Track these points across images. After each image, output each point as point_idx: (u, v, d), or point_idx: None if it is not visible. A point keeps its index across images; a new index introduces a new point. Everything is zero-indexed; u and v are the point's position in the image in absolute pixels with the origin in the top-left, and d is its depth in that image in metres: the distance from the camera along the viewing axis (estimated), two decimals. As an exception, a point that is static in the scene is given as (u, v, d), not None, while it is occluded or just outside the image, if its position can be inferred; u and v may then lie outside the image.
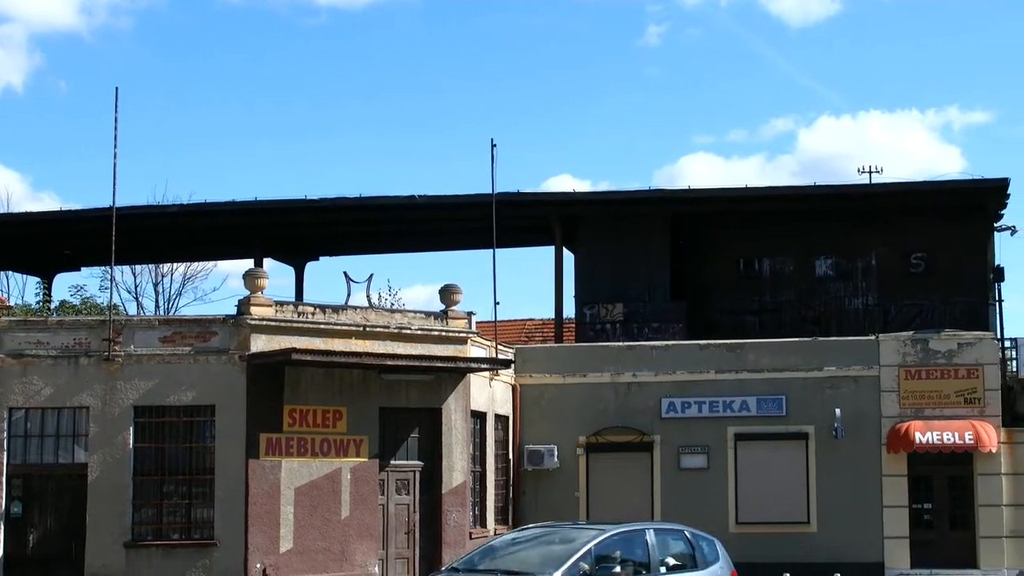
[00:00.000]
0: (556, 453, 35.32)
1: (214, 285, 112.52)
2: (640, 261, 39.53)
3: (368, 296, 31.81)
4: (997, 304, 38.85)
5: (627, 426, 35.74)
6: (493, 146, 34.56)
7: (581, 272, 40.35)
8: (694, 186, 43.80)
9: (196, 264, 58.95)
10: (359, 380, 29.97)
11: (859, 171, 45.40)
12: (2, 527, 28.23)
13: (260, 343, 28.64)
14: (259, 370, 28.49)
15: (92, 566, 28.01)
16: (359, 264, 57.32)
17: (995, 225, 39.46)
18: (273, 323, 28.94)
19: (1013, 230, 39.74)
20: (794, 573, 27.09)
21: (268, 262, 44.15)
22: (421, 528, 30.90)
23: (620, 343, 37.41)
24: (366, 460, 29.96)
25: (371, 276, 31.65)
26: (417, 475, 31.09)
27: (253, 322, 28.63)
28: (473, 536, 31.93)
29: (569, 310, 40.48)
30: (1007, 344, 37.47)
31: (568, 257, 40.97)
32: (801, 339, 36.66)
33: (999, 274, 39.01)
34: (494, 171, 34.95)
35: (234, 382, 28.45)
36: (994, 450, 34.54)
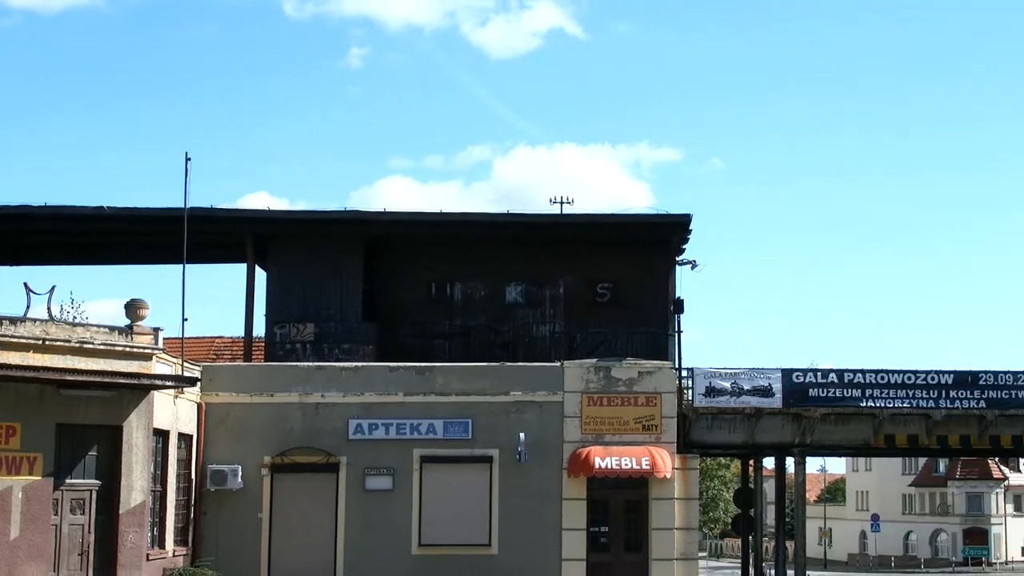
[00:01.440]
0: (240, 473, 34.65)
1: None
2: (333, 282, 39.24)
3: (49, 309, 30.43)
4: (676, 335, 40.27)
5: (314, 447, 35.42)
6: (187, 160, 34.02)
7: (273, 291, 39.74)
8: (389, 209, 43.85)
9: None
10: (36, 395, 28.75)
11: (551, 201, 46.62)
12: None
13: (-69, 353, 27.03)
14: (-73, 381, 26.86)
15: None
16: (42, 275, 54.66)
17: (677, 259, 40.86)
18: (-55, 333, 27.36)
19: (694, 264, 41.26)
20: (475, 595, 27.39)
21: (-59, 271, 41.74)
22: (96, 550, 29.73)
23: (310, 363, 37.03)
24: (40, 478, 28.68)
25: (53, 288, 30.27)
26: (94, 494, 29.92)
27: (-74, 331, 27.01)
28: (150, 558, 31.01)
29: (260, 329, 39.80)
30: (684, 374, 38.98)
31: (261, 276, 40.32)
32: (489, 364, 37.14)
33: (679, 306, 40.43)
34: (187, 185, 34.32)
35: (-101, 395, 26.74)
36: (668, 475, 35.79)
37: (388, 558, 34.86)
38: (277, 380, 35.86)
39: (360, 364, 36.82)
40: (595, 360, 37.23)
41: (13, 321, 28.78)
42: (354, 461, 35.42)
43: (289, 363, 37.29)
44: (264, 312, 39.58)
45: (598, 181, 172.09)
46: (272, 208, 47.46)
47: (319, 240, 39.61)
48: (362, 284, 39.42)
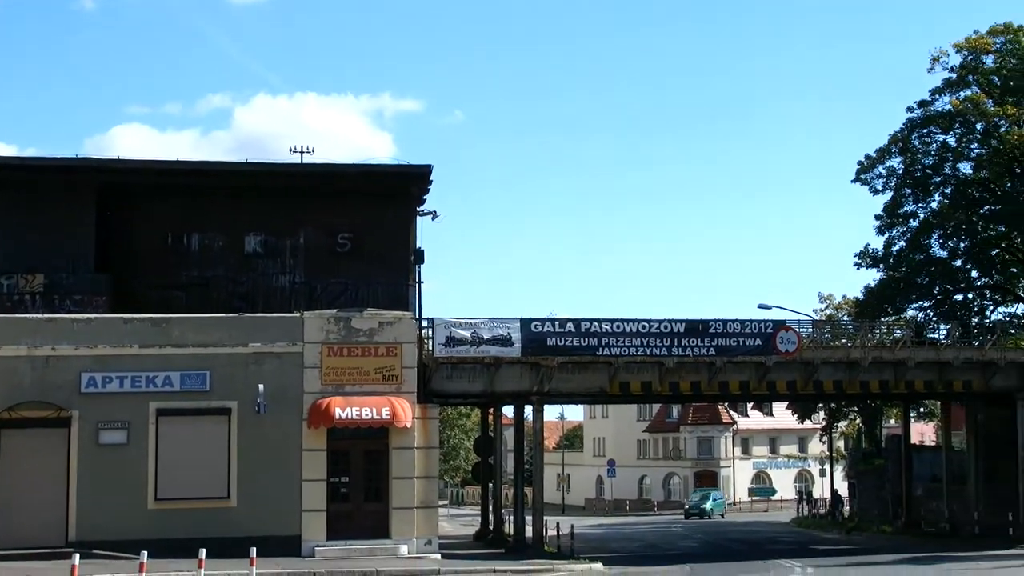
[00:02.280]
0: (-35, 429, 33.46)
1: None
2: (63, 231, 37.95)
3: None
4: (417, 285, 40.47)
5: (44, 401, 34.43)
6: None
7: (1, 240, 38.20)
8: (124, 156, 42.63)
9: None
10: None
11: (291, 151, 45.92)
12: None
13: None
14: None
15: None
16: None
17: (418, 210, 41.03)
18: None
19: (434, 215, 41.51)
20: (212, 548, 27.09)
21: None
22: None
23: (39, 315, 35.91)
24: None
25: None
26: None
27: None
28: None
29: (-12, 279, 38.22)
30: (424, 324, 39.34)
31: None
32: (227, 315, 36.71)
33: (419, 256, 40.65)
34: None
35: None
36: (408, 425, 36.15)
37: (123, 513, 34.18)
38: (4, 333, 34.66)
39: (93, 316, 35.88)
40: (335, 311, 37.20)
41: None
42: (87, 415, 34.59)
43: (17, 315, 36.02)
44: (-9, 262, 38.03)
45: (340, 131, 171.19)
46: (-1, 154, 45.53)
47: (49, 188, 38.27)
48: (95, 234, 38.27)
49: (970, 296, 62.10)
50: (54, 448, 34.38)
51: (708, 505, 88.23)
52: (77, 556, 22.84)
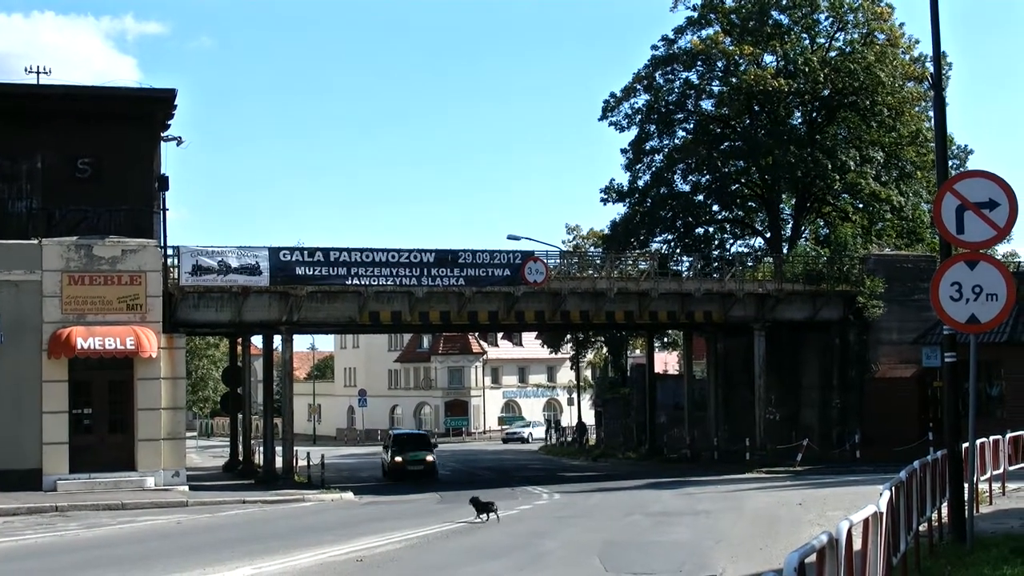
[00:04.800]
0: None
1: None
2: None
3: None
4: (161, 213, 39.45)
5: None
6: None
7: None
8: None
9: None
10: None
11: (27, 71, 44.00)
12: None
13: None
14: None
15: None
16: None
17: (162, 135, 39.94)
18: None
19: (179, 140, 40.48)
20: (-53, 483, 26.13)
21: None
22: None
23: None
24: None
25: None
26: None
27: None
28: None
29: None
30: (170, 252, 38.44)
31: None
32: (-38, 241, 35.11)
33: (164, 183, 39.58)
34: None
35: None
36: (154, 355, 35.42)
37: None
38: None
39: None
40: (76, 238, 36.04)
41: None
42: None
43: None
44: None
45: (80, 53, 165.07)
46: None
47: None
48: None
49: (711, 230, 64.12)
50: None
51: (526, 433, 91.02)
52: None
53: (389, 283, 41.33)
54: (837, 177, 56.63)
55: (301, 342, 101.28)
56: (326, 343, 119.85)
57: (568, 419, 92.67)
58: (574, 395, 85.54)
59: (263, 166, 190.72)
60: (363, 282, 40.90)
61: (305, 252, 40.83)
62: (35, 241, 35.49)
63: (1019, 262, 61.90)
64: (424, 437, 51.45)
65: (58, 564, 19.90)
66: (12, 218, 37.85)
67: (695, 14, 60.92)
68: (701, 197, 61.93)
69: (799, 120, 60.52)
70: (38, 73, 43.72)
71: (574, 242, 73.68)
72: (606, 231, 64.25)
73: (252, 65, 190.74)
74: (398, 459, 46.67)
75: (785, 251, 56.58)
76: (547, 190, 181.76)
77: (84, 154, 38.82)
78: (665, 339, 74.16)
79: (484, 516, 26.37)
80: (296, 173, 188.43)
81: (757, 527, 24.05)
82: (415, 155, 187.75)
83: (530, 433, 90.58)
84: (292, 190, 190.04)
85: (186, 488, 35.30)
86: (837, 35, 61.06)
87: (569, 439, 75.88)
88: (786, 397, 52.17)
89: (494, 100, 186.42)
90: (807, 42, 60.49)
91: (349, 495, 37.05)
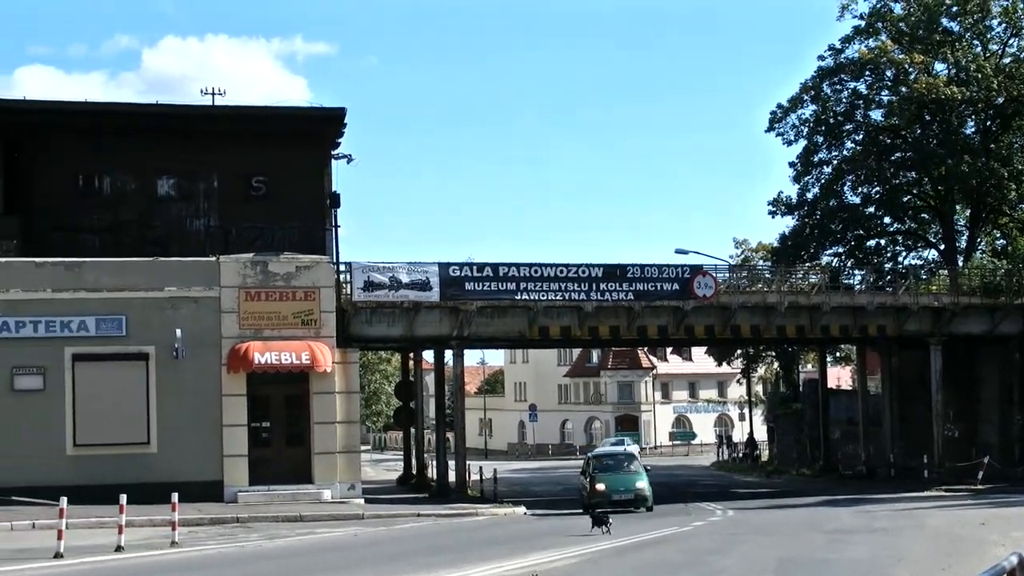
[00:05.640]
0: None
1: None
2: (-29, 174, 37.11)
3: None
4: (333, 229, 40.15)
5: (-45, 346, 33.79)
6: None
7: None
8: (29, 97, 41.79)
9: None
10: None
11: (203, 92, 45.21)
12: None
13: None
14: None
15: None
16: None
17: (333, 153, 40.63)
18: None
19: (350, 158, 41.15)
20: (133, 494, 26.73)
21: None
22: None
23: (-52, 259, 35.15)
24: None
25: None
26: None
27: None
28: None
29: None
30: (342, 268, 39.06)
31: None
32: (142, 259, 36.13)
33: (335, 200, 40.29)
34: None
35: None
36: (329, 369, 35.92)
37: (42, 459, 33.63)
38: (-93, 279, 33.93)
39: (3, 260, 35.18)
40: (252, 255, 36.80)
41: None
42: (1, 360, 33.94)
43: (-75, 259, 35.25)
44: None
45: (252, 74, 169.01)
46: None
47: (-48, 130, 37.34)
48: (2, 176, 37.41)
49: (883, 242, 62.77)
50: (-33, 394, 33.78)
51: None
52: (-6, 502, 22.52)
53: (558, 298, 41.37)
54: (1013, 187, 55.01)
55: (471, 356, 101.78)
56: (496, 358, 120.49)
57: (739, 435, 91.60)
58: (745, 410, 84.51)
59: (432, 181, 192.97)
60: (532, 297, 41.01)
61: (474, 267, 41.09)
62: (213, 258, 36.36)
63: None
64: (632, 458, 40.88)
65: (241, 574, 20.27)
66: (190, 236, 38.84)
67: (862, 23, 59.69)
68: (871, 209, 60.68)
69: (972, 129, 58.82)
70: (213, 95, 44.92)
71: (742, 256, 72.93)
72: (775, 244, 63.32)
73: (416, 82, 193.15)
74: (599, 487, 37.04)
75: (960, 263, 55.14)
76: (711, 203, 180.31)
77: (258, 173, 39.68)
78: (837, 353, 72.84)
79: (600, 528, 26.63)
80: (464, 189, 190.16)
81: (938, 546, 23.39)
82: (584, 172, 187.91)
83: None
84: (461, 205, 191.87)
85: (362, 501, 35.73)
86: (1011, 41, 59.24)
87: (740, 455, 75.02)
88: (963, 413, 50.79)
89: (660, 124, 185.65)
90: (979, 49, 58.76)
91: (521, 510, 37.12)
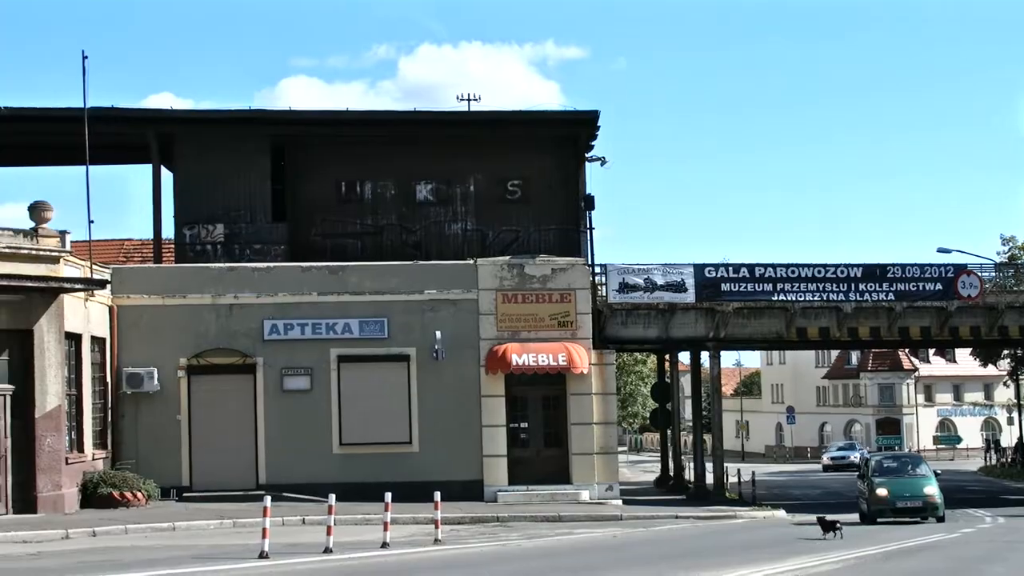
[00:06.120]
0: (156, 376, 34.38)
1: None
2: (241, 182, 38.71)
3: (-50, 212, 29.82)
4: (588, 232, 40.33)
5: (229, 348, 35.23)
6: (84, 58, 33.73)
7: (181, 192, 39.13)
8: (294, 107, 43.35)
9: None
10: (-58, 300, 28.15)
11: (458, 99, 46.18)
12: None
13: None
14: None
15: None
16: (-61, 180, 53.83)
17: (586, 156, 40.83)
18: None
19: (603, 161, 41.25)
20: (398, 492, 27.36)
21: None
22: (14, 454, 29.40)
23: (221, 264, 36.70)
24: (-49, 383, 28.20)
25: (-48, 191, 29.59)
26: (8, 399, 29.52)
27: None
28: (70, 461, 30.71)
29: (170, 231, 39.20)
30: (597, 270, 39.17)
31: (168, 176, 39.71)
32: (402, 263, 37.01)
33: (590, 203, 40.45)
34: (85, 84, 34.30)
35: None
36: (585, 371, 36.04)
37: (310, 458, 34.84)
38: (189, 282, 35.53)
39: (272, 264, 36.56)
40: (508, 257, 37.24)
41: (-86, 225, 28.13)
42: (271, 361, 35.28)
43: (200, 264, 36.91)
44: (173, 213, 38.98)
45: (505, 80, 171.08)
46: (175, 108, 46.64)
47: (225, 140, 38.95)
48: (270, 184, 38.92)
49: None
50: (241, 394, 35.18)
51: (855, 457, 74.36)
52: (268, 498, 23.27)
53: (815, 299, 40.56)
54: None
55: (727, 358, 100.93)
56: (752, 359, 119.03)
57: (1008, 439, 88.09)
58: (1014, 414, 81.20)
59: (684, 182, 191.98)
60: (789, 297, 40.33)
61: (730, 268, 40.64)
62: (471, 261, 36.93)
63: None
64: (919, 461, 37.49)
65: (504, 572, 20.46)
66: (448, 239, 39.62)
67: None
68: None
69: None
70: (469, 100, 45.85)
71: (1009, 253, 70.12)
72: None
73: (665, 82, 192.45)
74: (881, 492, 33.64)
75: None
76: (974, 200, 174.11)
77: (513, 176, 40.17)
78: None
79: (831, 534, 25.99)
80: (717, 187, 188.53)
81: None
82: (841, 170, 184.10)
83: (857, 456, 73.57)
84: (713, 205, 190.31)
85: (619, 502, 35.72)
86: None
87: (1009, 460, 72.16)
88: None
89: (922, 117, 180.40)
90: None
91: (781, 513, 36.50)
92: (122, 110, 38.61)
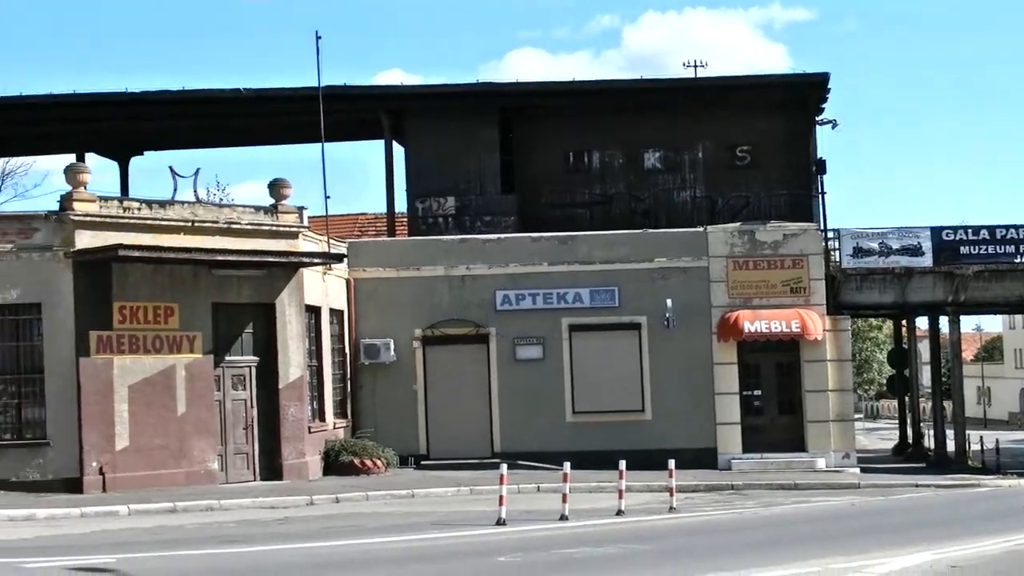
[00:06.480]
0: (392, 347, 35.15)
1: (35, 182, 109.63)
2: (470, 155, 39.33)
3: (195, 191, 31.03)
4: (820, 196, 39.68)
5: (462, 319, 35.76)
6: (318, 38, 35.01)
7: (412, 166, 39.95)
8: (521, 79, 43.76)
9: (14, 160, 56.87)
10: (190, 276, 29.34)
11: (684, 65, 45.87)
12: None
13: (85, 239, 27.81)
14: (85, 267, 27.71)
15: (-76, 466, 27.17)
16: (186, 159, 56.00)
17: (817, 119, 40.15)
18: (98, 219, 28.11)
19: (834, 124, 40.54)
20: (631, 460, 27.39)
21: (91, 157, 42.76)
22: (260, 423, 30.57)
23: (453, 236, 37.29)
24: (200, 356, 29.41)
25: (198, 171, 30.75)
26: (253, 371, 30.67)
27: (77, 218, 27.80)
28: (312, 430, 31.75)
29: (402, 204, 40.13)
30: (830, 235, 38.43)
31: (399, 151, 40.55)
32: (631, 231, 37.02)
33: (821, 167, 39.79)
34: (320, 64, 35.31)
35: (60, 279, 27.68)
36: (819, 337, 35.44)
37: (544, 426, 35.16)
38: (422, 254, 36.19)
39: (503, 236, 36.97)
40: (739, 224, 36.84)
41: (163, 204, 29.38)
42: (503, 332, 35.70)
43: (433, 237, 37.60)
44: (405, 187, 39.82)
45: (731, 44, 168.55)
46: (405, 84, 47.67)
47: (454, 113, 39.61)
48: (499, 156, 39.43)
49: None
50: (474, 364, 35.68)
51: None
52: (504, 466, 23.61)
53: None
54: None
55: (966, 323, 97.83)
56: (993, 323, 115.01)
57: None
58: None
59: (915, 144, 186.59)
60: (1033, 259, 38.84)
61: (969, 230, 39.31)
62: (700, 229, 36.67)
63: None
64: None
65: (740, 540, 20.32)
66: (677, 207, 39.56)
67: None
68: None
69: None
70: (695, 67, 45.51)
71: None
72: None
73: (897, 45, 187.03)
74: None
75: None
76: None
77: (741, 142, 39.90)
78: None
79: None
80: (950, 150, 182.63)
81: None
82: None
83: None
84: (947, 166, 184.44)
85: (857, 470, 35.05)
86: None
87: None
88: None
89: None
90: None
91: (1029, 481, 35.27)
92: (355, 88, 39.60)
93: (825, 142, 39.68)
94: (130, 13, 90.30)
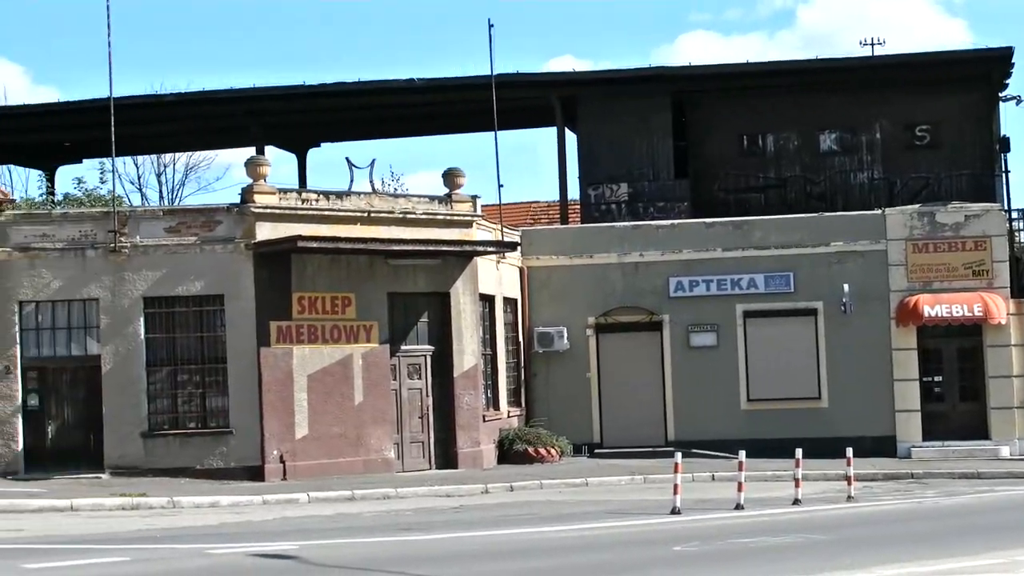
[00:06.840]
0: (566, 335, 35.23)
1: (217, 175, 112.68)
2: (642, 140, 39.12)
3: (371, 182, 31.55)
4: (1003, 175, 38.50)
5: (635, 306, 35.67)
6: (491, 27, 34.79)
7: (584, 153, 39.90)
8: (693, 62, 43.38)
9: (198, 154, 58.65)
10: (366, 266, 29.86)
11: (861, 44, 44.92)
12: (21, 420, 28.28)
13: (265, 231, 28.53)
14: (266, 258, 28.42)
15: (111, 457, 28.19)
16: (361, 150, 57.27)
17: (1000, 95, 38.93)
18: (277, 211, 28.81)
19: (1019, 100, 39.11)
20: (807, 448, 27.01)
21: (269, 150, 43.76)
22: (435, 412, 30.99)
23: (626, 223, 37.17)
24: (377, 346, 29.94)
25: (373, 161, 31.30)
26: (428, 359, 31.11)
27: (257, 210, 28.50)
28: (486, 419, 32.04)
29: (574, 191, 40.14)
30: (1014, 215, 37.35)
31: (571, 138, 40.56)
32: (807, 215, 36.48)
33: (1005, 145, 38.58)
34: (492, 52, 35.29)
35: (241, 270, 28.44)
36: (1003, 322, 34.49)
37: (718, 414, 34.88)
38: (595, 241, 36.19)
39: (676, 221, 36.73)
40: (918, 206, 35.98)
41: (340, 195, 29.98)
42: (676, 319, 35.49)
43: (605, 224, 37.52)
44: (577, 174, 39.83)
45: (908, 20, 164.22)
46: (577, 70, 47.64)
47: (626, 99, 39.32)
48: (672, 141, 39.13)
49: None
50: (648, 351, 35.56)
51: None
52: (679, 455, 23.56)
53: None
54: None
55: None
56: None
57: None
58: None
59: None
60: None
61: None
62: (878, 211, 35.94)
63: None
64: None
65: (922, 529, 19.93)
66: (853, 189, 38.81)
67: None
68: None
69: None
70: (872, 45, 44.52)
71: None
72: None
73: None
74: None
75: None
76: None
77: (920, 121, 38.91)
78: None
79: None
80: None
81: None
82: None
83: None
84: None
85: (1045, 460, 34.06)
86: None
87: None
88: None
89: None
90: None
91: None
92: (526, 75, 39.69)
93: (1009, 119, 38.46)
94: (304, 4, 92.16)
